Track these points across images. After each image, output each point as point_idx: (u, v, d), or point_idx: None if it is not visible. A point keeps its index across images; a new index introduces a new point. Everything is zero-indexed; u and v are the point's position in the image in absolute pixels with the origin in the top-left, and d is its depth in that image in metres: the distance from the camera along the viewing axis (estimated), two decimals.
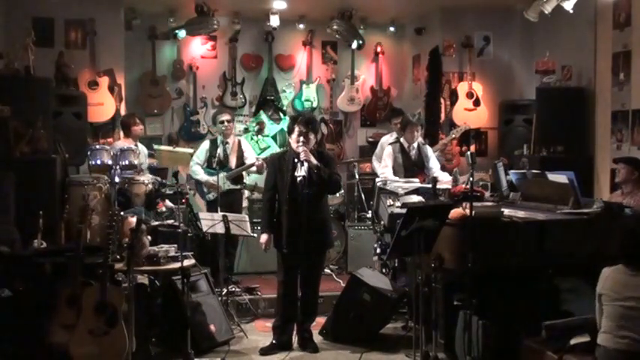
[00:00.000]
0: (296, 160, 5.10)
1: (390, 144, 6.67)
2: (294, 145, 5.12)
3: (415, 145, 6.54)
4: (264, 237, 5.25)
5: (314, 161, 5.04)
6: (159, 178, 6.65)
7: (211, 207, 6.64)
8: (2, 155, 5.78)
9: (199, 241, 6.27)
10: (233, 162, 6.80)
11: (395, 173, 6.44)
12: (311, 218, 5.07)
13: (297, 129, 5.09)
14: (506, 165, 6.29)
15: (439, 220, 4.43)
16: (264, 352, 5.18)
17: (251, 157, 6.90)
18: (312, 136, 5.13)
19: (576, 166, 5.58)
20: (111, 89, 7.62)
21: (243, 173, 6.82)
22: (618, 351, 3.55)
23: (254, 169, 6.79)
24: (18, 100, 5.92)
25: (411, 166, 6.48)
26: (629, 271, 3.67)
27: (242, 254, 6.88)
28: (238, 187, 6.81)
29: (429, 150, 6.67)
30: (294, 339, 5.32)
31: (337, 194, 7.48)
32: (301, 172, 5.06)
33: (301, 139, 5.06)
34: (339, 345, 5.36)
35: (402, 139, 6.58)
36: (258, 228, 5.63)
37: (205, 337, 5.17)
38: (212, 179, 6.62)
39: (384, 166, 6.56)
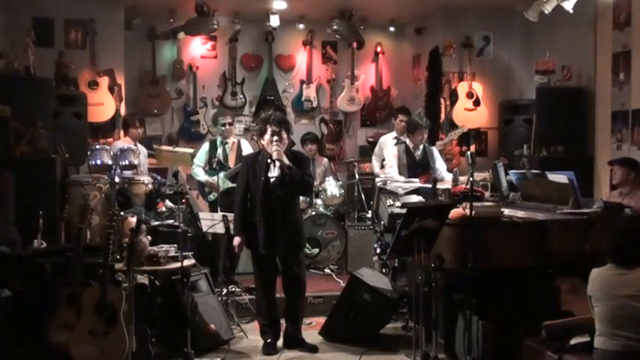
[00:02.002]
0: (269, 161, 5.05)
1: (396, 145, 6.66)
2: (267, 145, 5.09)
3: (421, 146, 6.54)
4: (237, 239, 5.25)
5: (286, 161, 5.01)
6: (159, 177, 6.65)
7: (213, 207, 6.65)
8: (2, 155, 5.78)
9: (199, 241, 6.26)
10: (232, 162, 6.79)
11: (399, 173, 6.45)
12: (285, 219, 5.07)
13: (269, 129, 5.06)
14: (506, 165, 6.27)
15: (439, 220, 4.43)
16: (267, 351, 5.17)
17: None
18: (285, 136, 5.11)
19: (576, 166, 5.59)
20: (111, 89, 7.62)
21: None
22: (614, 352, 3.52)
23: None
24: (18, 100, 5.93)
25: (415, 166, 6.48)
26: (618, 271, 3.62)
27: (242, 254, 6.86)
28: None
29: (435, 151, 6.67)
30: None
31: (337, 194, 7.51)
32: (274, 172, 5.00)
33: (275, 138, 5.02)
34: (339, 345, 5.34)
35: (407, 140, 6.58)
36: None
37: (205, 337, 5.16)
38: (211, 179, 6.62)
39: (389, 166, 6.56)
